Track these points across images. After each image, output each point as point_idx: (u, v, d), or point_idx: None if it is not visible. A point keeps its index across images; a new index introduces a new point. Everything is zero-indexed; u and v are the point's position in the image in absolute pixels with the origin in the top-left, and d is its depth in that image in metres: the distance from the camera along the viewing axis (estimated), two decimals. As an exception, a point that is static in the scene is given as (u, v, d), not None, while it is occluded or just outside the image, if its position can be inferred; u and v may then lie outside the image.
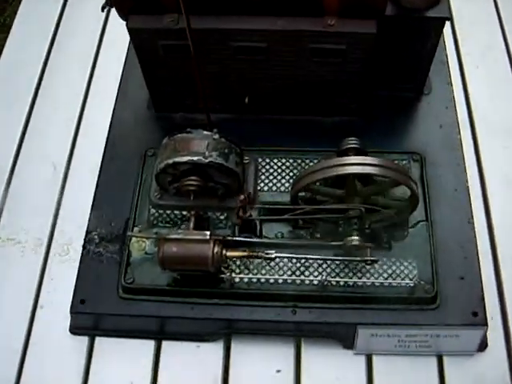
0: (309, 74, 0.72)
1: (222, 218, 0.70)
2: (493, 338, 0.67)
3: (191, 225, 0.66)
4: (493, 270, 0.73)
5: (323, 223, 0.68)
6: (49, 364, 0.69)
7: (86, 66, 0.93)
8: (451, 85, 0.83)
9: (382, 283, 0.65)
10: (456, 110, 0.80)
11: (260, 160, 0.73)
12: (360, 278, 0.66)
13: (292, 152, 0.74)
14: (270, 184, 0.72)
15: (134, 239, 0.69)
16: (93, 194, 0.75)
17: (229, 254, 0.64)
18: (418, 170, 0.73)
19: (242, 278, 0.66)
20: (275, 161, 0.73)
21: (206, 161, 0.64)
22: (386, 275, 0.66)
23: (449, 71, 0.84)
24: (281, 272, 0.67)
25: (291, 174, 0.72)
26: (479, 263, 0.68)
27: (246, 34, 0.67)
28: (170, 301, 0.66)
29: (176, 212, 0.70)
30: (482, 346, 0.67)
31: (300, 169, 0.73)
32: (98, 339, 0.70)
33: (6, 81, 0.92)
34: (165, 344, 0.69)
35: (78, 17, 0.99)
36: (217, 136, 0.65)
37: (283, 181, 0.72)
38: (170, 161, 0.64)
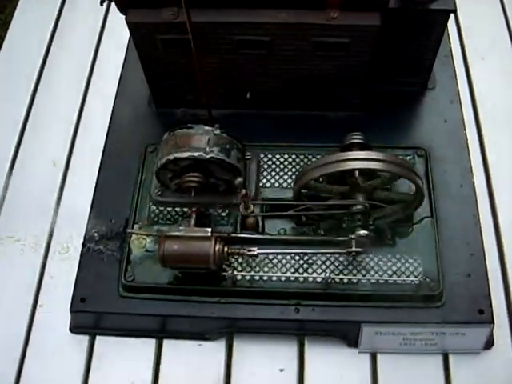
0: (312, 68, 0.71)
1: (223, 214, 0.69)
2: (499, 335, 0.67)
3: (192, 222, 0.65)
4: (499, 266, 0.72)
5: (326, 219, 0.67)
6: (49, 363, 0.68)
7: (86, 61, 0.92)
8: (456, 79, 0.82)
9: (386, 280, 0.64)
10: (461, 104, 0.79)
11: (262, 156, 0.73)
12: (364, 276, 0.65)
13: (294, 147, 0.74)
14: (273, 180, 0.71)
15: (134, 237, 0.68)
16: (93, 191, 0.74)
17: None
18: (422, 165, 0.72)
19: (244, 276, 0.66)
20: (277, 156, 0.73)
21: (207, 156, 0.63)
22: (390, 272, 0.65)
23: (453, 65, 0.83)
24: (283, 269, 0.66)
25: (294, 169, 0.72)
26: (485, 260, 0.67)
27: (247, 28, 0.66)
28: (171, 299, 0.66)
29: (177, 209, 0.70)
30: (489, 344, 0.66)
31: (303, 164, 0.72)
32: (98, 338, 0.69)
33: (5, 77, 0.91)
34: (166, 343, 0.69)
35: (78, 12, 0.98)
36: (218, 131, 0.65)
37: (286, 177, 0.71)
38: (171, 156, 0.63)
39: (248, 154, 0.70)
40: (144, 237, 0.68)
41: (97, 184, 0.74)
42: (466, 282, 0.66)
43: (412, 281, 0.64)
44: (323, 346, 0.67)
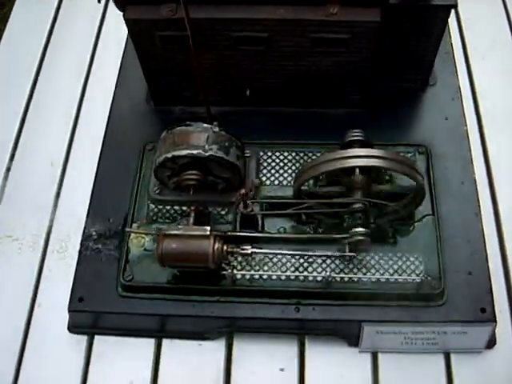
0: (311, 65, 0.71)
1: (222, 213, 0.68)
2: (501, 334, 0.66)
3: (191, 220, 0.65)
4: (501, 264, 0.71)
5: (327, 218, 0.66)
6: (47, 363, 0.68)
7: (84, 59, 0.92)
8: (457, 75, 0.81)
9: (387, 279, 0.64)
10: (462, 101, 0.79)
11: (261, 153, 0.72)
12: (365, 274, 0.64)
13: (294, 145, 0.73)
14: (272, 178, 0.71)
15: (132, 235, 0.68)
16: (91, 190, 0.73)
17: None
18: (423, 162, 0.71)
19: (243, 275, 0.65)
20: (277, 154, 0.72)
21: (206, 154, 0.62)
22: (391, 271, 0.65)
23: (454, 62, 0.83)
24: (284, 268, 0.65)
25: (294, 167, 0.71)
26: (487, 258, 0.67)
27: (246, 24, 0.66)
28: (170, 298, 0.65)
29: (176, 207, 0.69)
30: (491, 343, 0.66)
31: (303, 162, 0.71)
32: (97, 338, 0.69)
33: (3, 75, 0.91)
34: (165, 342, 0.68)
35: (76, 8, 0.98)
36: (217, 129, 0.64)
37: (285, 175, 0.71)
38: (169, 154, 0.63)
39: (247, 151, 0.70)
40: (143, 236, 0.68)
41: (95, 183, 0.74)
42: (467, 281, 0.65)
43: (413, 279, 0.64)
44: (324, 345, 0.66)
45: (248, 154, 0.70)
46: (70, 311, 0.67)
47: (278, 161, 0.72)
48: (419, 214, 0.67)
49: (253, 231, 0.66)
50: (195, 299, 0.65)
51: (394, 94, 0.78)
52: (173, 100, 0.78)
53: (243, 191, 0.63)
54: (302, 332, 0.67)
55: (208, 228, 0.62)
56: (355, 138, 0.65)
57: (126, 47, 0.85)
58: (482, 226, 0.69)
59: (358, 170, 0.61)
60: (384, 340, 0.65)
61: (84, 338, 0.69)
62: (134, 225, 0.69)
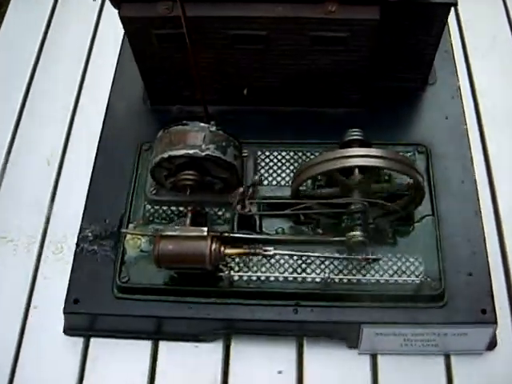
0: (309, 64, 0.70)
1: (220, 213, 0.68)
2: (502, 336, 0.65)
3: (188, 221, 0.64)
4: (502, 265, 0.71)
5: (325, 218, 0.66)
6: (43, 366, 0.67)
7: (80, 58, 0.91)
8: (457, 74, 0.81)
9: (387, 280, 0.63)
10: (462, 100, 0.78)
11: (259, 153, 0.71)
12: (364, 275, 0.64)
13: (292, 145, 0.72)
14: (270, 178, 0.70)
15: (128, 236, 0.67)
16: (87, 190, 0.73)
17: (226, 251, 0.61)
18: (423, 162, 0.71)
19: (241, 276, 0.64)
20: (275, 154, 0.72)
21: (203, 154, 0.62)
22: (391, 272, 0.64)
23: (454, 61, 0.82)
24: (282, 269, 0.65)
25: (292, 167, 0.71)
26: (488, 258, 0.66)
27: (243, 22, 0.65)
28: (166, 300, 0.65)
29: (172, 208, 0.69)
30: (491, 344, 0.65)
31: (301, 162, 0.71)
32: (93, 340, 0.68)
33: (-2, 74, 0.90)
34: (162, 344, 0.68)
35: (72, 9, 0.97)
36: (214, 128, 0.64)
37: (283, 175, 0.70)
38: (166, 154, 0.62)
39: (245, 151, 0.69)
40: (139, 237, 0.67)
41: (91, 183, 0.73)
42: (468, 281, 0.64)
43: (413, 280, 0.63)
44: (322, 347, 0.66)
45: (246, 154, 0.69)
46: (65, 313, 0.66)
47: (276, 160, 0.71)
48: (419, 214, 0.67)
49: (250, 232, 0.66)
50: (192, 301, 0.64)
51: (394, 92, 0.77)
52: (170, 99, 0.77)
53: (240, 190, 0.62)
54: (300, 334, 0.67)
55: (205, 229, 0.61)
56: (354, 138, 0.65)
57: (122, 47, 0.84)
58: (482, 225, 0.68)
59: (357, 170, 0.60)
60: (383, 342, 0.64)
61: (80, 340, 0.68)
62: (131, 225, 0.68)
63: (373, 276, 0.64)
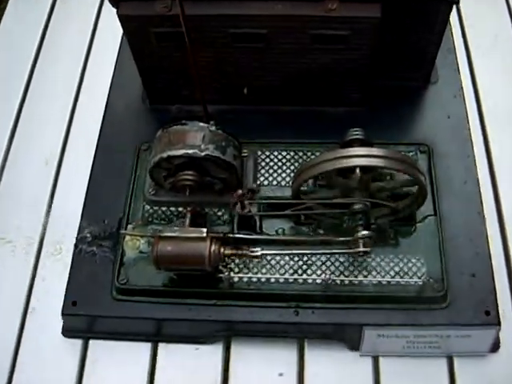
0: (310, 62, 0.69)
1: (219, 214, 0.67)
2: (506, 337, 0.65)
3: (187, 222, 0.63)
4: (504, 265, 0.70)
5: (326, 219, 0.65)
6: (41, 368, 0.67)
7: (79, 57, 0.90)
8: (459, 73, 0.80)
9: (388, 281, 0.63)
10: (464, 99, 0.77)
11: (259, 153, 0.71)
12: (366, 277, 0.63)
13: (293, 144, 0.72)
14: (271, 178, 0.69)
15: (127, 237, 0.67)
16: (85, 190, 0.72)
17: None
18: (425, 161, 0.70)
19: (241, 278, 0.64)
20: (275, 154, 0.71)
21: (202, 154, 0.61)
22: (393, 273, 0.63)
23: (456, 59, 0.81)
24: (282, 271, 0.64)
25: (292, 167, 0.70)
26: (491, 259, 0.65)
27: (243, 20, 0.64)
28: (166, 302, 0.64)
29: (171, 208, 0.68)
30: (495, 346, 0.64)
31: (301, 162, 0.70)
32: (91, 342, 0.68)
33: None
34: (161, 347, 0.67)
35: (70, 8, 0.96)
36: (213, 128, 0.63)
37: (284, 175, 0.69)
38: (165, 154, 0.62)
39: (245, 151, 0.68)
40: (138, 238, 0.66)
41: (89, 183, 0.72)
42: (471, 283, 0.64)
43: (415, 282, 0.62)
44: (324, 349, 0.65)
45: (245, 154, 0.69)
46: (63, 315, 0.66)
47: (276, 160, 0.70)
48: (421, 214, 0.66)
49: (251, 233, 0.65)
50: (191, 302, 0.64)
51: (395, 91, 0.77)
52: (169, 99, 0.76)
53: (240, 192, 0.61)
54: (301, 336, 0.66)
55: (204, 230, 0.61)
56: (355, 137, 0.64)
57: (121, 46, 0.84)
58: (485, 225, 0.67)
59: (358, 170, 0.59)
60: (385, 344, 0.63)
61: (79, 343, 0.67)
62: (129, 226, 0.67)
63: (374, 277, 0.63)
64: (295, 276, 0.63)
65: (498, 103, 0.83)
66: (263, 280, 0.64)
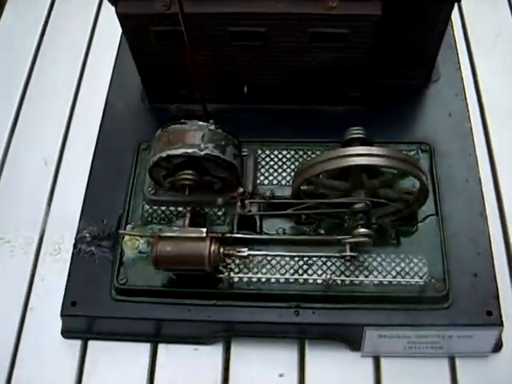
0: (309, 61, 0.69)
1: (219, 213, 0.67)
2: (508, 338, 0.64)
3: (187, 221, 0.63)
4: (507, 265, 0.70)
5: (327, 218, 0.65)
6: (40, 369, 0.66)
7: (78, 56, 0.90)
8: (460, 71, 0.79)
9: (390, 281, 0.62)
10: (466, 97, 0.77)
11: (259, 152, 0.70)
12: (367, 277, 0.63)
13: (293, 143, 0.71)
14: (271, 177, 0.69)
15: (127, 237, 0.66)
16: (84, 190, 0.72)
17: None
18: (426, 160, 0.69)
19: (241, 278, 0.63)
20: (275, 153, 0.70)
21: (202, 153, 0.61)
22: (394, 273, 0.63)
23: (458, 57, 0.81)
24: (282, 271, 0.64)
25: (292, 166, 0.69)
26: (493, 259, 0.65)
27: (242, 18, 0.64)
28: (165, 302, 0.64)
29: (171, 208, 0.68)
30: (497, 346, 0.64)
31: (302, 161, 0.69)
32: (91, 343, 0.67)
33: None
34: (161, 347, 0.67)
35: (69, 7, 0.96)
36: (213, 127, 0.62)
37: (284, 174, 0.69)
38: (164, 154, 0.61)
39: (244, 150, 0.68)
40: (137, 238, 0.66)
41: (88, 183, 0.72)
42: (473, 283, 0.63)
43: (417, 282, 0.62)
44: (324, 350, 0.65)
45: (245, 153, 0.68)
46: (62, 315, 0.65)
47: (276, 159, 0.70)
48: (422, 214, 0.66)
49: (251, 232, 0.65)
50: (191, 303, 0.63)
51: (396, 90, 0.76)
52: (168, 98, 0.76)
53: (240, 191, 0.61)
54: (301, 336, 0.66)
55: (204, 230, 0.60)
56: (356, 136, 0.63)
57: (120, 45, 0.83)
58: (487, 225, 0.67)
59: (359, 169, 0.59)
60: (387, 344, 0.63)
61: (78, 343, 0.67)
62: (129, 226, 0.67)
63: (375, 277, 0.62)
64: (296, 276, 0.63)
65: (499, 101, 0.82)
66: (263, 280, 0.63)
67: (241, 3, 0.63)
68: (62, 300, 0.65)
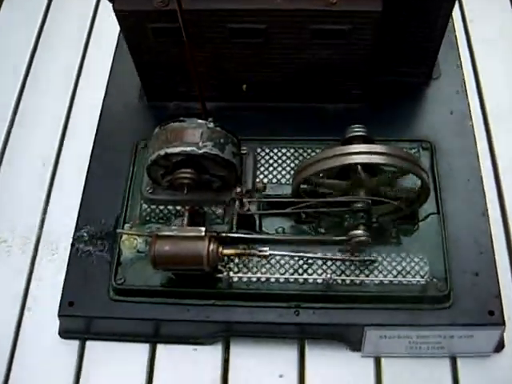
0: (310, 58, 0.68)
1: (218, 212, 0.66)
2: (510, 338, 0.64)
3: (185, 220, 0.63)
4: (509, 265, 0.69)
5: (327, 217, 0.64)
6: (37, 369, 0.66)
7: (76, 54, 0.90)
8: (462, 68, 0.79)
9: (391, 281, 0.62)
10: (467, 94, 0.76)
11: (259, 150, 0.70)
12: (367, 276, 0.62)
13: (293, 141, 0.71)
14: (270, 176, 0.69)
15: (124, 237, 0.66)
16: (82, 190, 0.71)
17: (223, 251, 0.60)
18: (428, 158, 0.69)
19: (240, 278, 0.63)
20: (275, 151, 0.70)
21: (200, 151, 0.60)
22: (395, 272, 0.62)
23: (459, 55, 0.80)
24: (282, 270, 0.63)
25: (292, 164, 0.69)
26: (495, 258, 0.64)
27: (241, 15, 0.64)
28: (164, 302, 0.63)
29: (169, 207, 0.67)
30: (499, 346, 0.63)
31: (302, 159, 0.69)
32: (88, 343, 0.67)
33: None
34: (160, 347, 0.66)
35: (67, 5, 0.96)
36: (212, 125, 0.62)
37: (284, 172, 0.69)
38: (162, 152, 0.61)
39: (244, 148, 0.67)
40: (135, 237, 0.65)
41: (86, 182, 0.72)
42: (474, 282, 0.63)
43: (418, 281, 0.61)
44: (324, 350, 0.64)
45: (245, 151, 0.68)
46: (59, 316, 0.65)
47: (276, 158, 0.70)
48: (423, 212, 0.65)
49: (250, 232, 0.64)
50: (190, 303, 0.63)
51: (397, 87, 0.76)
52: (167, 95, 0.76)
53: (238, 190, 0.60)
54: (301, 336, 0.65)
55: (203, 229, 0.60)
56: (356, 134, 0.63)
57: (118, 43, 0.83)
58: (488, 224, 0.66)
59: (359, 167, 0.58)
60: (387, 344, 0.63)
61: (76, 344, 0.67)
62: (126, 225, 0.66)
63: (376, 277, 0.62)
64: (296, 276, 0.63)
65: (501, 99, 0.82)
66: (263, 280, 0.63)
67: (240, 0, 0.63)
68: (59, 300, 0.65)
